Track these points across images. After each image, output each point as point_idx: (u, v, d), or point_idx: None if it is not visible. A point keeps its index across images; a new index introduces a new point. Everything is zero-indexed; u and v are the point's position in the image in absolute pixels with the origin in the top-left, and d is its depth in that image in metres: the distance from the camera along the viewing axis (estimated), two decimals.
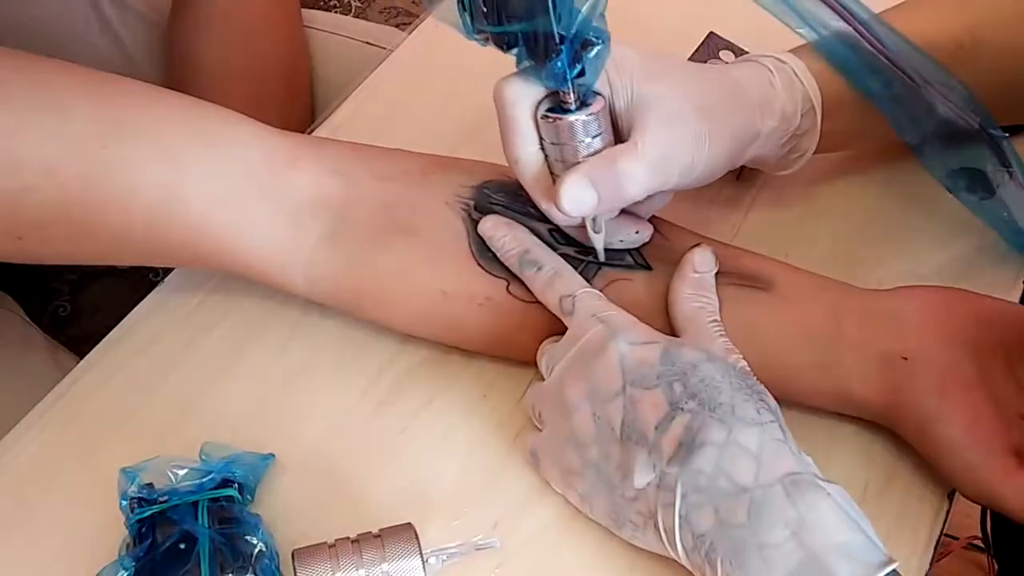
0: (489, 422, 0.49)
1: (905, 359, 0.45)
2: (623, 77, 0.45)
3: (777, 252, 0.51)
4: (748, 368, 0.43)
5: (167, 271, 0.56)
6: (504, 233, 0.48)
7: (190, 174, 0.46)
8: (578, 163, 0.44)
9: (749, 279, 0.48)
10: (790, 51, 0.52)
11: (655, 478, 0.40)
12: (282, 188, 0.48)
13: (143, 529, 0.42)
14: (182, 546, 0.41)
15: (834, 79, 0.51)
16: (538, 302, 0.47)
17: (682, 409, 0.40)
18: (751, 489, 0.38)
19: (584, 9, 0.40)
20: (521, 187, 0.47)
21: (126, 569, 0.41)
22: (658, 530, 0.40)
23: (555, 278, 0.46)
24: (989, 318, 0.47)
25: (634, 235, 0.48)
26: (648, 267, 0.49)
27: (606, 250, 0.48)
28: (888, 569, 0.35)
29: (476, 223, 0.48)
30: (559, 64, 0.41)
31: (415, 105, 0.65)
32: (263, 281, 0.49)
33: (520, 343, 0.49)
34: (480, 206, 0.49)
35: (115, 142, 0.45)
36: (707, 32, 0.61)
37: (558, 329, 0.47)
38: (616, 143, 0.45)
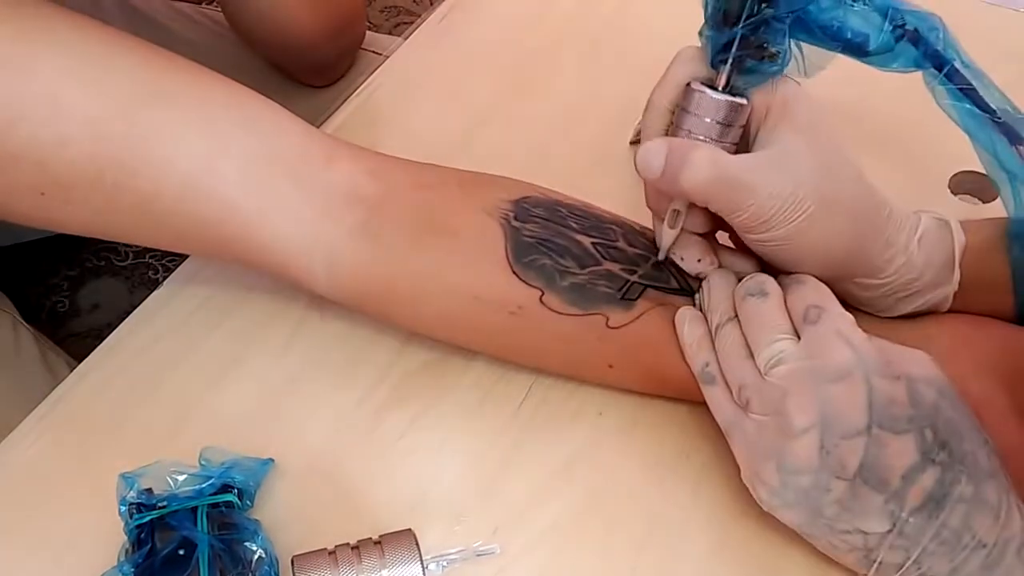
0: (489, 427, 0.49)
1: None
2: (785, 114, 0.44)
3: None
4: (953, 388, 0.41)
5: (167, 270, 0.56)
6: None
7: (228, 152, 0.45)
8: (680, 131, 0.44)
9: None
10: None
11: (892, 525, 0.39)
12: (317, 179, 0.47)
13: (142, 535, 0.42)
14: (181, 552, 0.41)
15: (989, 261, 0.47)
16: (570, 315, 0.46)
17: (933, 461, 0.39)
18: (990, 545, 0.39)
19: (788, 22, 0.41)
20: (559, 203, 0.48)
21: (125, 575, 0.41)
22: (870, 560, 0.40)
23: (798, 287, 0.44)
24: (1017, 347, 0.46)
25: (696, 263, 0.48)
26: (691, 291, 0.48)
27: (654, 265, 0.48)
28: None
29: (516, 229, 0.47)
30: (728, 39, 0.42)
31: (414, 107, 0.65)
32: (281, 273, 0.48)
33: (548, 354, 0.48)
34: (520, 216, 0.48)
35: (158, 105, 0.44)
36: None
37: (587, 343, 0.47)
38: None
